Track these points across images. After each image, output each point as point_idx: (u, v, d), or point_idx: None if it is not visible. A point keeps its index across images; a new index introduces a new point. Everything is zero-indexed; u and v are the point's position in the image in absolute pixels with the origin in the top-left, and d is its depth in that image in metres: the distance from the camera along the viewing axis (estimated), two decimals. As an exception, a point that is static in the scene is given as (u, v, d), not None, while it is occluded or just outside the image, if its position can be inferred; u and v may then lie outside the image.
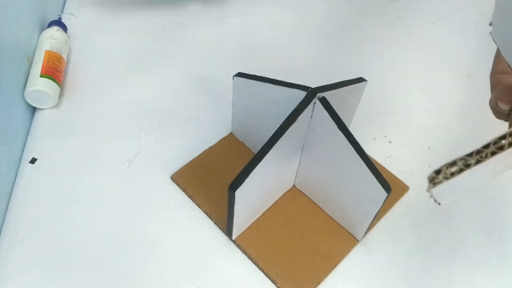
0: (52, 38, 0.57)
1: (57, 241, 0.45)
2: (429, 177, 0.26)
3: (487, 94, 0.36)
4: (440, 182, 0.26)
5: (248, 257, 0.45)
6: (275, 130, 0.39)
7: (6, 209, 0.47)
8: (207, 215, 0.48)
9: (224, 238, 0.47)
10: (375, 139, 0.56)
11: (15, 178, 0.49)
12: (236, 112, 0.51)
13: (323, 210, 0.49)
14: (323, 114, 0.40)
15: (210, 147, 0.53)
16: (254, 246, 0.46)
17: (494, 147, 0.25)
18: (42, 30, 0.60)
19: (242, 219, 0.45)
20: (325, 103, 0.40)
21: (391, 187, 0.39)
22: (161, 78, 0.61)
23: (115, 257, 0.44)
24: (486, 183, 0.49)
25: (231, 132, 0.55)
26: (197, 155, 0.52)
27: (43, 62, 0.55)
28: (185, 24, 0.69)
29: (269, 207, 0.48)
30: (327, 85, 0.42)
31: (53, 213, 0.47)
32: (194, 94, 0.59)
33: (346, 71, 0.65)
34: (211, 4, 0.71)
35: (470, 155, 0.25)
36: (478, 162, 0.25)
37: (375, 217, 0.43)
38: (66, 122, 0.54)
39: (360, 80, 0.47)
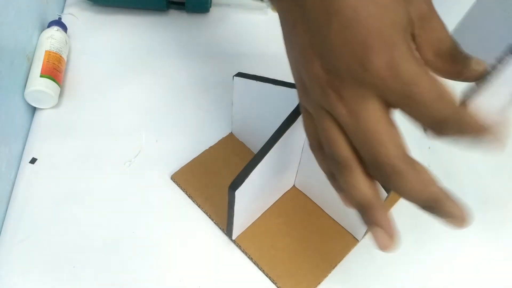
0: (52, 38, 0.57)
1: (57, 241, 0.45)
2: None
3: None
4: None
5: (248, 257, 0.45)
6: (275, 130, 0.39)
7: (6, 209, 0.47)
8: (207, 215, 0.48)
9: (224, 238, 0.47)
10: (375, 139, 0.56)
11: (15, 178, 0.49)
12: (236, 112, 0.51)
13: (323, 210, 0.49)
14: (323, 114, 0.40)
15: (210, 147, 0.53)
16: (254, 246, 0.45)
17: None
18: (42, 30, 0.60)
19: (242, 219, 0.45)
20: (325, 103, 0.40)
21: (391, 187, 0.39)
22: (161, 77, 0.61)
23: (115, 257, 0.44)
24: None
25: (231, 132, 0.55)
26: (197, 155, 0.52)
27: (43, 62, 0.54)
28: (185, 23, 0.69)
29: (269, 207, 0.48)
30: (327, 85, 0.42)
31: (53, 213, 0.47)
32: (194, 94, 0.59)
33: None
34: (212, 4, 0.71)
35: None
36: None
37: (375, 217, 0.43)
38: (66, 122, 0.54)
39: (360, 80, 0.47)
